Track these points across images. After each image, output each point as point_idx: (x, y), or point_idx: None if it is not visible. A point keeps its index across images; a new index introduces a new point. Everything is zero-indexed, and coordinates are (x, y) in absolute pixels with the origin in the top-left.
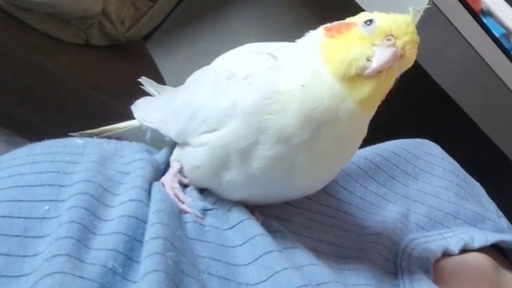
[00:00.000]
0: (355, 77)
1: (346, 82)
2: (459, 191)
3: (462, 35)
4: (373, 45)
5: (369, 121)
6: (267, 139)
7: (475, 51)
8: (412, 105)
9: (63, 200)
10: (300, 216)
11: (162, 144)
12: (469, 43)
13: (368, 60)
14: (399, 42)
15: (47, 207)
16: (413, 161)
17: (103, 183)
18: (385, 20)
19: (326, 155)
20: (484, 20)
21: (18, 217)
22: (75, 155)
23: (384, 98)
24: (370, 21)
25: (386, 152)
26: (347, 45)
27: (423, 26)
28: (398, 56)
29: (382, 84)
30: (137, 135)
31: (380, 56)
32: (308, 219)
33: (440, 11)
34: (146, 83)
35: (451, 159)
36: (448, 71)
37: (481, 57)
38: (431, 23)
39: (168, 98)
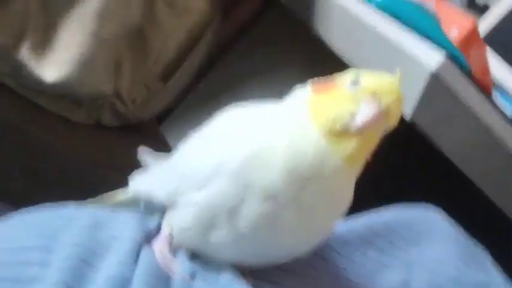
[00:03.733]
0: (340, 133)
1: (332, 138)
2: (462, 256)
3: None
4: (358, 102)
5: (355, 177)
6: (254, 197)
7: (484, 125)
8: (415, 170)
9: (51, 263)
10: (293, 281)
11: (156, 211)
12: (477, 117)
13: (352, 117)
14: (384, 101)
15: (35, 270)
16: (415, 226)
17: (92, 246)
18: (370, 79)
19: (314, 212)
20: (495, 94)
21: (6, 280)
22: (67, 219)
23: (368, 156)
24: (356, 79)
25: (386, 217)
26: (333, 101)
27: (429, 98)
28: (383, 114)
29: (367, 141)
30: (132, 204)
31: (364, 113)
32: (301, 283)
33: (446, 85)
34: (144, 152)
35: (455, 224)
36: (454, 140)
37: (490, 130)
38: (437, 95)
39: (161, 163)
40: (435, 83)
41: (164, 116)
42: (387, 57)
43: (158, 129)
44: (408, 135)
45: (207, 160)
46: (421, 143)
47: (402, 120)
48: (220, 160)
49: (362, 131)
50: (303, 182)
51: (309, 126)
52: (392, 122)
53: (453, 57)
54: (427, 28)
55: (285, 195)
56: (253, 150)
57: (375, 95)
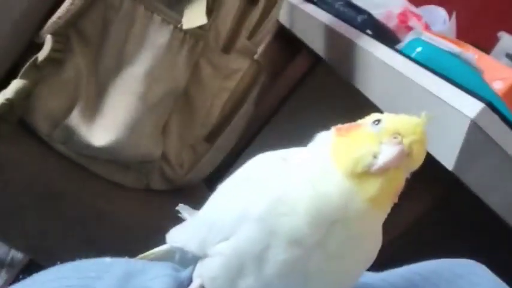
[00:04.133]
0: (363, 175)
1: (355, 180)
2: None
3: None
4: (381, 143)
5: (382, 221)
6: (279, 242)
7: None
8: (458, 224)
9: None
10: None
11: (190, 264)
12: None
13: (375, 157)
14: (406, 140)
15: None
16: (456, 280)
17: None
18: (393, 120)
19: (340, 257)
20: None
21: None
22: (100, 271)
23: (395, 198)
24: (379, 120)
25: (426, 271)
26: (355, 143)
27: (470, 147)
28: (405, 154)
29: (390, 182)
30: (168, 258)
31: (386, 153)
32: None
33: (487, 133)
34: (183, 209)
35: (498, 279)
36: (498, 190)
37: None
38: (478, 144)
39: (194, 216)
40: (475, 131)
41: (215, 179)
42: (427, 108)
43: (207, 192)
44: (451, 188)
45: (232, 208)
46: (463, 195)
47: (446, 172)
48: (244, 207)
49: (385, 171)
50: (329, 226)
51: (332, 169)
52: (417, 163)
53: (496, 107)
54: (469, 79)
55: (310, 240)
56: (278, 196)
57: (397, 135)
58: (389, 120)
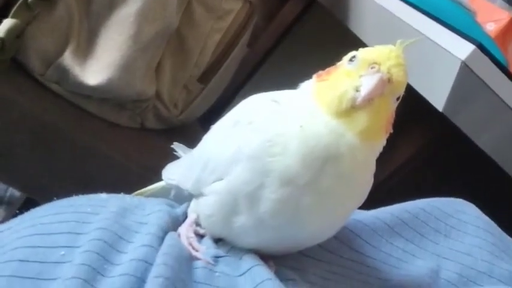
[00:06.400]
0: (349, 111)
1: (342, 117)
2: (494, 249)
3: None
4: (360, 76)
5: (375, 155)
6: (272, 182)
7: None
8: (447, 164)
9: (78, 246)
10: (317, 268)
11: (185, 200)
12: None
13: (357, 91)
14: (384, 67)
15: (62, 253)
16: (445, 219)
17: (119, 231)
18: (367, 51)
19: (332, 195)
20: None
21: (34, 261)
22: (97, 206)
23: (387, 128)
24: (354, 56)
25: (416, 209)
26: (336, 83)
27: (461, 88)
28: (386, 80)
29: (378, 112)
30: (163, 195)
31: (367, 83)
32: (326, 270)
33: (477, 75)
34: (178, 147)
35: (486, 218)
36: (487, 131)
37: None
38: (468, 85)
39: (189, 155)
40: (466, 72)
41: (209, 119)
42: (419, 50)
43: (201, 132)
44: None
45: (226, 148)
46: (452, 136)
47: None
48: (237, 147)
49: (369, 102)
50: (320, 164)
51: (319, 112)
52: (400, 87)
53: (487, 50)
54: (461, 21)
55: (302, 179)
56: (270, 136)
57: (374, 64)
58: (364, 53)
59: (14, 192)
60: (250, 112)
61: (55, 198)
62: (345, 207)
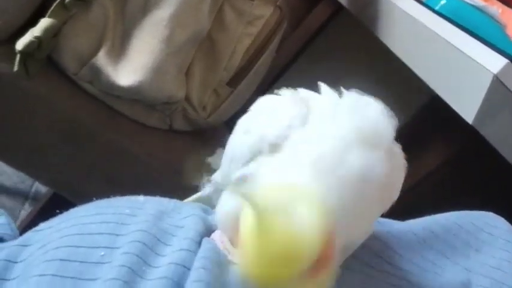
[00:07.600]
0: None
1: None
2: None
3: None
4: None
5: None
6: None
7: None
8: (480, 178)
9: (118, 247)
10: (348, 277)
11: None
12: None
13: None
14: None
15: (102, 253)
16: (476, 232)
17: (157, 234)
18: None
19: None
20: None
21: (75, 261)
22: (135, 209)
23: None
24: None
25: (447, 222)
26: None
27: (492, 102)
28: None
29: None
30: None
31: None
32: (357, 280)
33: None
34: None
35: None
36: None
37: None
38: (500, 100)
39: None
40: (497, 86)
41: (235, 123)
42: (449, 61)
43: (228, 135)
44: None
45: (249, 137)
46: (486, 151)
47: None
48: (260, 135)
49: None
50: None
51: None
52: None
53: None
54: (492, 34)
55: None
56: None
57: None
58: None
59: (39, 188)
60: (268, 107)
61: (80, 194)
62: (371, 213)
